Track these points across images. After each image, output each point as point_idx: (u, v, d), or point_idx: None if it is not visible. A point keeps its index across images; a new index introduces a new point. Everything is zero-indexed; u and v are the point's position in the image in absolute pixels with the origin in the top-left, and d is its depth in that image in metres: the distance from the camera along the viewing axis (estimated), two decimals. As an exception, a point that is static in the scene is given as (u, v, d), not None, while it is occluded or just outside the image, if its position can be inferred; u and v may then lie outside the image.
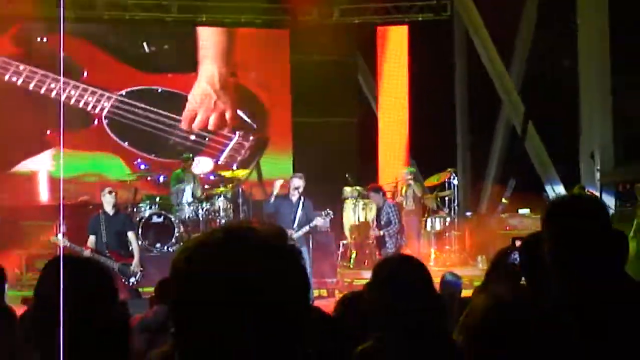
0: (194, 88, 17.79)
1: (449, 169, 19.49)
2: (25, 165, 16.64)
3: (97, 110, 16.94)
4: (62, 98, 16.66)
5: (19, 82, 16.44)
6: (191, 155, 17.69)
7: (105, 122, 16.95)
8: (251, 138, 18.17)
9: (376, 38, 22.10)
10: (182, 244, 16.33)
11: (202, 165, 17.82)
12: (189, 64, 17.65)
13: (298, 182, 14.23)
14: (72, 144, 16.60)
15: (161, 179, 17.75)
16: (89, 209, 16.75)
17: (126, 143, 16.81)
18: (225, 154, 17.19)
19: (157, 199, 17.44)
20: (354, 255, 17.01)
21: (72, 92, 16.50)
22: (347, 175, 19.31)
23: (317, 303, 13.78)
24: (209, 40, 18.02)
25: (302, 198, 14.22)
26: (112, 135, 16.80)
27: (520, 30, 21.63)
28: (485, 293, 4.11)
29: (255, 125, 18.09)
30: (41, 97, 16.50)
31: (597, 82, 19.53)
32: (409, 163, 21.69)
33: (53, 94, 16.49)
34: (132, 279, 13.47)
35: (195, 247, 1.90)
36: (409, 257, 4.00)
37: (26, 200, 18.27)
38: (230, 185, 17.91)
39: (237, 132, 17.43)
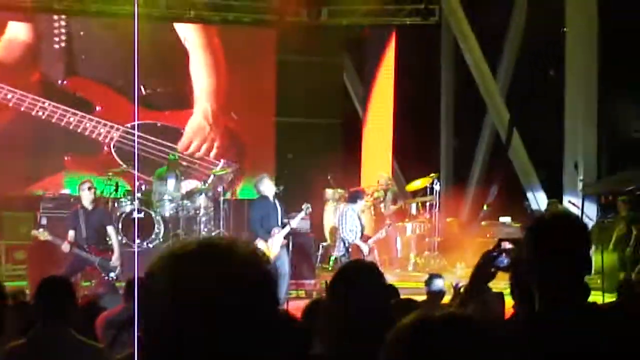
0: (191, 120, 20.44)
1: (432, 175, 19.66)
2: (43, 188, 19.02)
3: (107, 140, 19.73)
4: (80, 129, 19.73)
5: (44, 116, 19.33)
6: (177, 156, 18.81)
7: (113, 149, 19.71)
8: (235, 166, 19.86)
9: (364, 40, 22.30)
10: (161, 241, 16.69)
11: (191, 186, 18.73)
12: (183, 103, 20.45)
13: (272, 185, 14.45)
14: (85, 166, 19.27)
15: (143, 187, 18.41)
16: (71, 201, 16.97)
17: (130, 167, 18.95)
18: (210, 179, 18.76)
19: (138, 194, 17.66)
20: (333, 258, 17.19)
21: (87, 125, 19.57)
22: (329, 177, 19.52)
23: (294, 304, 14.03)
24: (201, 83, 20.55)
25: (275, 199, 14.37)
26: (118, 160, 19.46)
27: (507, 37, 21.84)
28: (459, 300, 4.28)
29: (236, 164, 20.12)
30: (61, 128, 19.46)
31: (583, 92, 19.75)
32: (393, 167, 21.92)
33: (71, 126, 19.54)
34: (112, 274, 13.63)
35: (170, 260, 1.96)
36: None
37: (4, 190, 18.92)
38: (211, 183, 18.24)
39: (222, 161, 19.82)
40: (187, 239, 16.56)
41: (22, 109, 19.36)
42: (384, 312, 3.81)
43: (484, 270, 4.02)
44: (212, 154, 20.62)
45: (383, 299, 3.94)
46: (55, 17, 19.62)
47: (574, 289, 3.51)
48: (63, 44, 19.72)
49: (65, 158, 19.77)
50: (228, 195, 18.31)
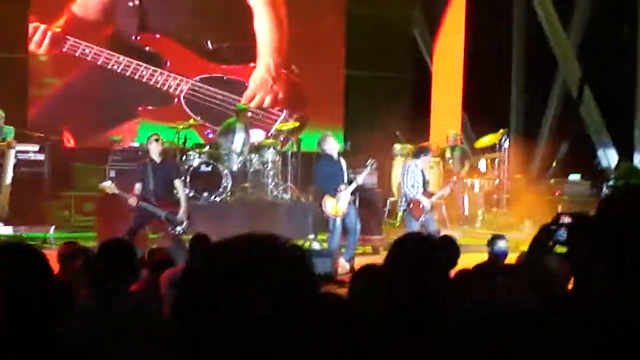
0: (254, 74, 21.03)
1: (501, 130, 19.47)
2: (118, 133, 20.19)
3: (177, 92, 20.69)
4: (152, 82, 20.82)
5: (119, 69, 20.39)
6: (245, 106, 18.50)
7: (183, 101, 20.68)
8: (295, 116, 20.63)
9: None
10: (229, 194, 16.76)
11: (256, 135, 19.08)
12: (248, 57, 21.03)
13: (335, 143, 14.49)
14: (157, 117, 20.27)
15: (209, 134, 19.89)
16: (139, 154, 17.12)
17: (199, 117, 19.82)
18: (274, 128, 19.90)
19: (207, 147, 17.72)
20: (400, 213, 17.06)
21: (159, 78, 20.57)
22: (397, 133, 19.41)
23: (360, 260, 14.04)
24: (265, 37, 21.05)
25: (340, 157, 14.34)
26: (188, 111, 20.33)
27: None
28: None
29: (298, 114, 20.82)
30: (135, 81, 20.55)
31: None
32: (463, 122, 21.72)
33: (144, 79, 20.56)
34: (179, 228, 13.62)
35: (218, 254, 2.06)
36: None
37: (80, 143, 20.19)
38: (281, 137, 18.32)
39: (285, 111, 20.63)
40: (254, 192, 16.80)
41: (99, 62, 20.42)
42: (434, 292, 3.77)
43: (542, 244, 3.97)
44: (275, 106, 21.11)
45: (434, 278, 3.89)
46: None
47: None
48: (136, 1, 20.60)
49: (139, 108, 20.71)
50: (292, 147, 18.26)
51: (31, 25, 20.27)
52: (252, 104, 20.77)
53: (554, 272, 5.23)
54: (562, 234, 3.88)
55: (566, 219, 3.87)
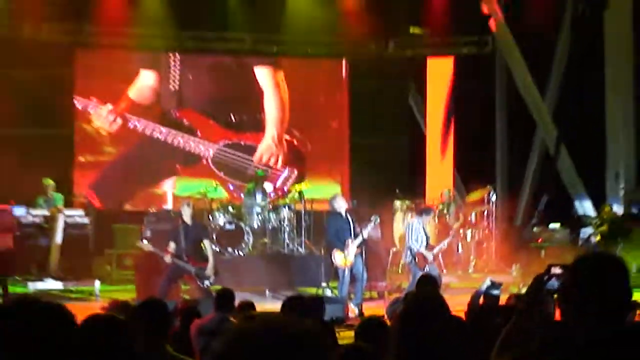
0: (262, 141, 22.37)
1: (488, 186, 19.64)
2: (161, 187, 22.07)
3: (205, 154, 22.12)
4: (186, 148, 22.22)
5: (161, 137, 21.93)
6: (263, 172, 19.58)
7: (210, 161, 22.13)
8: (295, 172, 21.92)
9: (426, 68, 22.23)
10: (250, 249, 16.86)
11: (265, 187, 19.56)
12: (259, 127, 22.35)
13: (344, 202, 14.76)
14: (190, 174, 22.01)
15: (231, 186, 21.20)
16: (171, 215, 17.38)
17: (222, 173, 21.66)
18: (279, 181, 21.57)
19: (230, 208, 17.87)
20: (402, 263, 17.10)
21: (191, 144, 22.11)
22: (396, 190, 19.51)
23: (367, 304, 14.08)
24: (270, 113, 22.37)
25: (347, 214, 14.45)
26: (214, 169, 21.94)
27: (554, 63, 21.63)
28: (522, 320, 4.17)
29: (295, 170, 22.19)
30: (172, 145, 22.02)
31: (622, 111, 19.65)
32: (454, 179, 21.79)
33: (180, 145, 22.08)
34: (207, 282, 13.78)
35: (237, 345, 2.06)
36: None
37: (116, 206, 20.90)
38: (294, 198, 18.48)
39: (287, 168, 21.95)
40: (273, 246, 16.89)
41: (148, 133, 21.90)
42: (452, 347, 3.76)
43: (536, 293, 3.94)
44: (277, 165, 22.18)
45: (450, 333, 3.86)
46: (172, 63, 22.22)
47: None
48: (177, 86, 22.15)
49: (177, 166, 22.02)
50: (294, 197, 18.62)
51: (78, 102, 21.23)
52: (261, 163, 21.90)
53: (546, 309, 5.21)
54: (554, 283, 3.86)
55: (557, 270, 3.85)
